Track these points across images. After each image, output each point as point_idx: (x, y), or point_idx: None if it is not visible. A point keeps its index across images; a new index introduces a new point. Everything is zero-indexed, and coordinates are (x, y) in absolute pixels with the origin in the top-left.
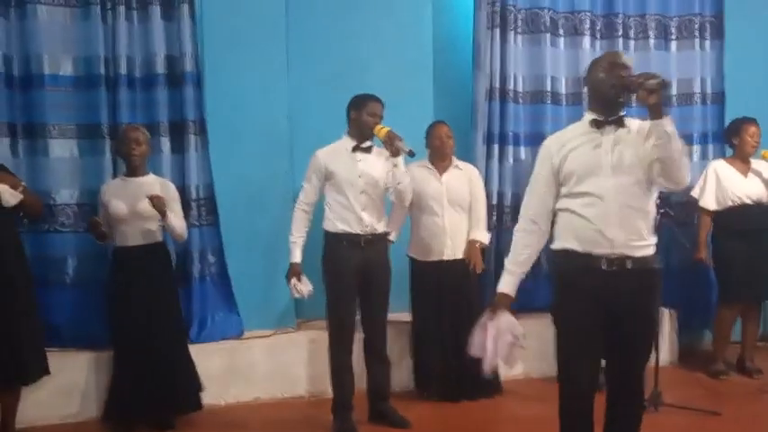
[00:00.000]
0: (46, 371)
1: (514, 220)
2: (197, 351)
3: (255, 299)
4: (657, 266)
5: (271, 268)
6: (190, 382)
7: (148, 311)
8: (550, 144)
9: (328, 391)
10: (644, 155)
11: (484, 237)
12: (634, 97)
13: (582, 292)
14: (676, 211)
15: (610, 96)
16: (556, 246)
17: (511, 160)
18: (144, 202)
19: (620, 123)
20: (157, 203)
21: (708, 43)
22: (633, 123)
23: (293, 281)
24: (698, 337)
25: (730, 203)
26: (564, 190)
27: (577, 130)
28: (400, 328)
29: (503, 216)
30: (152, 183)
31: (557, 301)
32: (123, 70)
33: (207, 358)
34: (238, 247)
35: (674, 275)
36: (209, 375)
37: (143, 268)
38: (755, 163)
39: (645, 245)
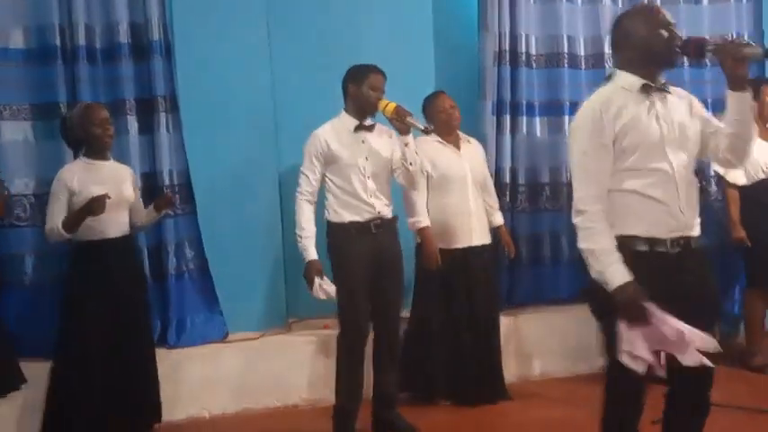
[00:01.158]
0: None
1: (530, 200)
2: (176, 357)
3: (240, 297)
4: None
5: (257, 262)
6: (156, 396)
7: (120, 315)
8: (599, 108)
9: (325, 399)
10: (695, 127)
11: (502, 219)
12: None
13: (643, 283)
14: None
15: (667, 58)
16: (613, 232)
17: (524, 132)
18: (125, 187)
19: (665, 88)
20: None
21: (744, 4)
22: (671, 87)
23: (317, 280)
24: (735, 327)
25: (762, 175)
26: (623, 165)
27: (625, 96)
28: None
29: (517, 196)
30: (123, 169)
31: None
32: (81, 41)
33: (187, 364)
34: (219, 238)
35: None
36: (190, 384)
37: (121, 263)
38: None
39: (698, 223)
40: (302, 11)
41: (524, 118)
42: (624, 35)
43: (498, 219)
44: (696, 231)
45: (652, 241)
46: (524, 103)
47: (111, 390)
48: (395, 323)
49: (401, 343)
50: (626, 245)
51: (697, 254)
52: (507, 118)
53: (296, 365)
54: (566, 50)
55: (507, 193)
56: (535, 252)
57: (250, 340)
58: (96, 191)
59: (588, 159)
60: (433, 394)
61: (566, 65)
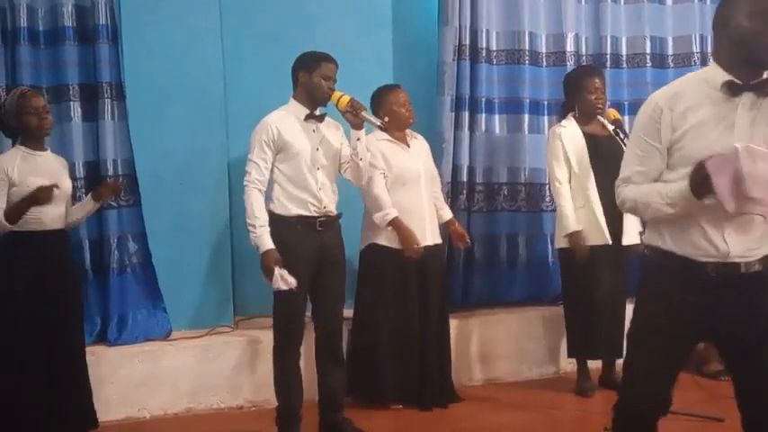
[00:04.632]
0: None
1: (487, 199)
2: (117, 354)
3: (185, 293)
4: None
5: (203, 257)
6: (88, 400)
7: (51, 311)
8: (662, 105)
9: (270, 401)
10: None
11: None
12: None
13: (676, 294)
14: None
15: (764, 56)
16: (649, 239)
17: (483, 130)
18: (64, 179)
19: (762, 88)
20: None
21: (708, 3)
22: None
23: (277, 270)
24: None
25: None
26: (672, 176)
27: (701, 91)
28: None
29: (474, 195)
30: (59, 160)
31: (642, 302)
32: (23, 23)
33: (128, 363)
34: (165, 231)
35: None
36: (130, 383)
37: (55, 257)
38: None
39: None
40: None
41: (483, 115)
42: (720, 22)
43: (448, 213)
44: (752, 257)
45: (686, 261)
46: (483, 99)
47: (38, 391)
48: (338, 323)
49: (349, 344)
50: (660, 256)
51: (744, 282)
52: (466, 114)
53: (241, 365)
54: (527, 47)
55: (464, 192)
56: (490, 253)
57: (194, 338)
58: (35, 183)
59: (636, 152)
60: (382, 397)
61: (527, 62)
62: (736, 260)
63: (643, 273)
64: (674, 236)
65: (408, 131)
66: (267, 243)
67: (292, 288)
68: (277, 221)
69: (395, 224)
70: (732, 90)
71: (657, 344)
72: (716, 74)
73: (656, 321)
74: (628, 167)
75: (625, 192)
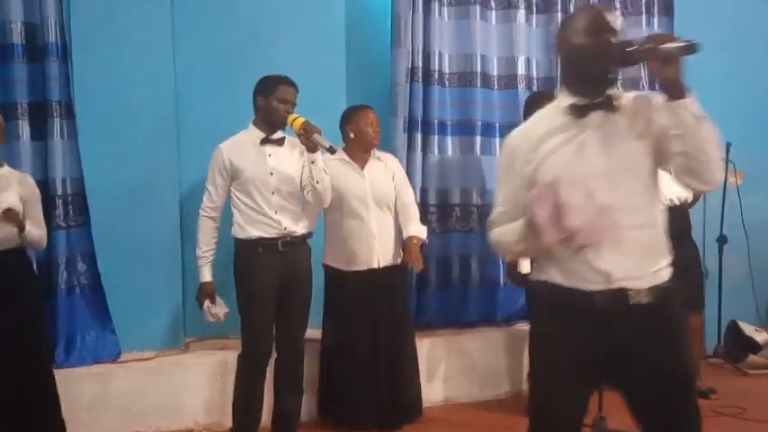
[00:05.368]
0: None
1: (440, 220)
2: (64, 377)
3: (135, 314)
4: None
5: (154, 278)
6: (56, 421)
7: (7, 335)
8: (518, 144)
9: (222, 423)
10: (641, 150)
11: (422, 231)
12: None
13: (569, 332)
14: None
15: (595, 72)
16: (535, 275)
17: (436, 152)
18: (11, 197)
19: (608, 105)
20: (14, 217)
21: (656, 20)
22: (626, 99)
23: (206, 303)
24: None
25: (669, 204)
26: None
27: (551, 122)
28: (312, 347)
29: (427, 216)
30: (8, 177)
31: (536, 345)
32: None
33: (76, 385)
34: (114, 252)
35: None
36: (78, 406)
37: (5, 280)
38: None
39: (658, 269)
40: (209, 16)
41: (436, 137)
42: (559, 46)
43: (411, 229)
44: (640, 282)
45: (573, 293)
46: (436, 121)
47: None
48: (297, 352)
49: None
50: (549, 290)
51: (641, 310)
52: (419, 136)
53: (192, 387)
54: (479, 70)
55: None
56: (444, 274)
57: (144, 360)
58: None
59: (503, 198)
60: (340, 421)
61: (478, 84)
62: (622, 284)
63: (534, 312)
64: (557, 267)
65: (375, 152)
66: (204, 275)
67: (220, 319)
68: (239, 245)
69: None
70: (577, 112)
71: (557, 388)
72: (563, 100)
73: (553, 365)
74: (494, 210)
75: (491, 235)
